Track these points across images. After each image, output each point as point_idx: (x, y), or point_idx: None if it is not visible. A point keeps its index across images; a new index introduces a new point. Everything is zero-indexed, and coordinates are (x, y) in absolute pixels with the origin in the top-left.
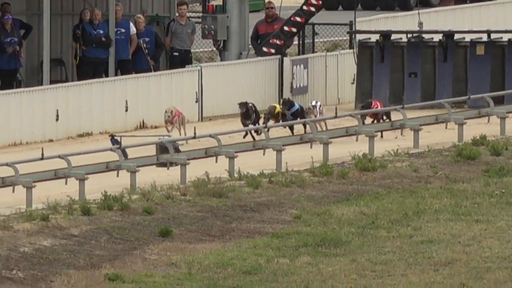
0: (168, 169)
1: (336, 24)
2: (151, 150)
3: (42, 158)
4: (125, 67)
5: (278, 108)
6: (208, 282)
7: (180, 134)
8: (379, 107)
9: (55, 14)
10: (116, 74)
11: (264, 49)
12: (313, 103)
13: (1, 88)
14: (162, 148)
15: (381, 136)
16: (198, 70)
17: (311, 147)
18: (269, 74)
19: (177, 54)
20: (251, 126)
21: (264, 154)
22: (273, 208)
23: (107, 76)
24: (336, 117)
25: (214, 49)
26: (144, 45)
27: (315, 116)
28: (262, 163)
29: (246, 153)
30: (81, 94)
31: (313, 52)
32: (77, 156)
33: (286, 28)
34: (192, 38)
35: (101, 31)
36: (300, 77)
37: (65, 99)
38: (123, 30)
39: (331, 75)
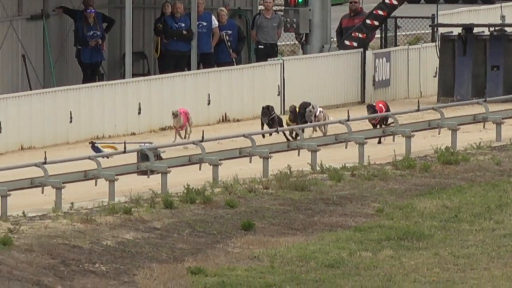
0: (148, 177)
1: (419, 18)
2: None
3: (124, 152)
4: (207, 60)
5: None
6: (290, 276)
7: (187, 137)
8: (384, 110)
9: (137, 7)
10: (198, 68)
11: (346, 42)
12: (315, 109)
13: (83, 81)
14: (143, 156)
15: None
16: (280, 63)
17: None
18: (351, 67)
19: (261, 47)
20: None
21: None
22: (355, 202)
23: (189, 69)
24: (418, 110)
25: (296, 42)
26: (227, 38)
27: (315, 116)
28: (345, 156)
29: (326, 147)
30: (163, 88)
31: (395, 45)
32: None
33: (368, 21)
34: (279, 32)
35: (183, 24)
36: (382, 70)
37: (147, 92)
38: (205, 23)
39: (413, 69)
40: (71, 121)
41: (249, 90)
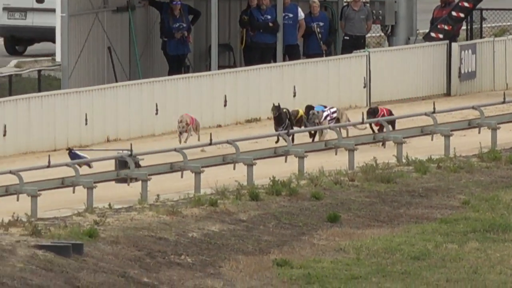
0: (128, 185)
1: (505, 10)
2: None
3: (210, 144)
4: (292, 52)
5: (301, 112)
6: (376, 268)
7: (198, 140)
8: (385, 114)
9: None
10: (283, 59)
11: (432, 34)
12: (332, 109)
13: (169, 73)
14: (121, 163)
15: None
16: (366, 55)
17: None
18: (437, 59)
19: (347, 38)
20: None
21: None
22: (441, 194)
23: (274, 61)
24: (504, 102)
25: (382, 34)
26: (318, 30)
27: (319, 122)
28: (431, 148)
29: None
30: (249, 79)
31: (481, 37)
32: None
33: (454, 13)
34: (369, 24)
35: (269, 16)
36: (468, 62)
37: (233, 84)
38: (291, 15)
39: (499, 61)
40: (156, 113)
41: (335, 82)
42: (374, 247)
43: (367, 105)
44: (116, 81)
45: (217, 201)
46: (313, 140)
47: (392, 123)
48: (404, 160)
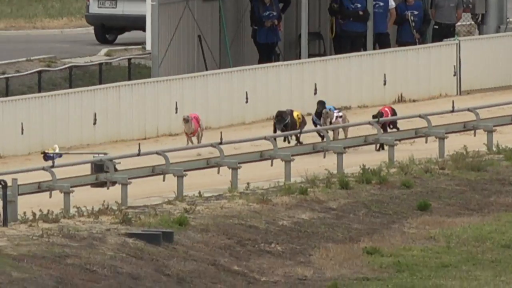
0: (108, 188)
1: None
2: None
3: (300, 132)
4: (383, 41)
5: (298, 113)
6: (466, 256)
7: (198, 141)
8: (389, 114)
9: None
10: (374, 48)
11: None
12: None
13: (259, 61)
14: (97, 167)
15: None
16: (456, 43)
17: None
18: None
19: (436, 27)
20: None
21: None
22: None
23: (365, 49)
24: None
25: (473, 22)
26: (411, 18)
27: (331, 121)
28: None
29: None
30: (339, 68)
31: None
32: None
33: None
34: (459, 12)
35: (359, 5)
36: None
37: (323, 72)
38: (381, 4)
39: None
40: (247, 102)
41: (425, 70)
42: (464, 236)
43: (457, 94)
44: (206, 70)
45: (307, 190)
46: (322, 139)
47: (393, 123)
48: (494, 149)
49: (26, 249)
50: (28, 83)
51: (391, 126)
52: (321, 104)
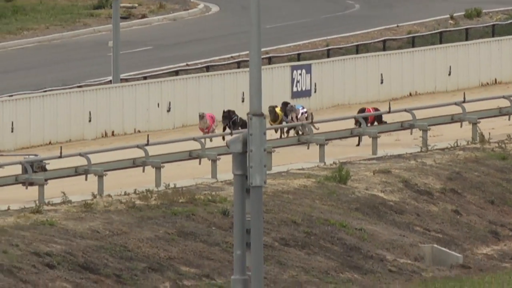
0: (26, 188)
1: None
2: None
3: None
4: None
5: (279, 108)
6: None
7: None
8: (371, 111)
9: None
10: None
11: None
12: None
13: None
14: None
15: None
16: None
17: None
18: None
19: None
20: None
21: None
22: None
23: None
24: None
25: None
26: None
27: (296, 116)
28: None
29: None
30: None
31: None
32: None
33: None
34: None
35: None
36: None
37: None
38: None
39: None
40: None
41: None
42: None
43: None
44: None
45: None
46: (287, 135)
47: (379, 117)
48: None
49: None
50: None
51: (378, 123)
52: (285, 104)
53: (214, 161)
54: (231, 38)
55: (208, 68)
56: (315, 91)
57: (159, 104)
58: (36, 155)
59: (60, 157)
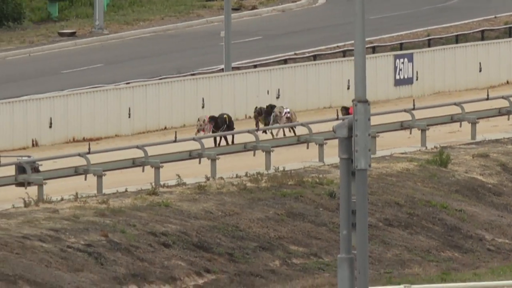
0: (26, 188)
1: None
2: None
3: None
4: None
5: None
6: None
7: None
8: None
9: None
10: None
11: None
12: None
13: None
14: (20, 168)
15: None
16: None
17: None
18: None
19: None
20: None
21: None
22: None
23: None
24: None
25: None
26: None
27: (281, 117)
28: None
29: None
30: None
31: None
32: None
33: None
34: None
35: None
36: None
37: None
38: None
39: None
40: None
41: None
42: None
43: None
44: None
45: None
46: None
47: None
48: None
49: None
50: None
51: None
52: (271, 106)
53: (321, 146)
54: (337, 28)
55: (315, 57)
56: (416, 79)
57: (268, 91)
58: (29, 156)
59: (175, 141)
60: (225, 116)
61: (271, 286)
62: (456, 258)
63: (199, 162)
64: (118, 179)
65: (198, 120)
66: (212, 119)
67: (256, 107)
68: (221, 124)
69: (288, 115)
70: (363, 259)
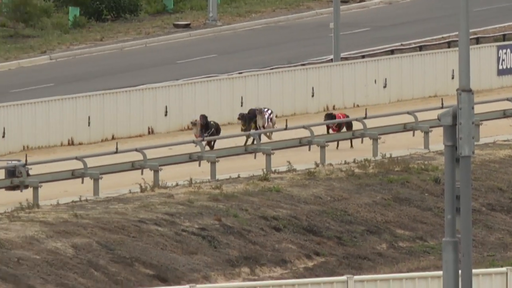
0: (21, 191)
1: None
2: None
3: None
4: None
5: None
6: None
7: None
8: (341, 118)
9: None
10: None
11: None
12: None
13: None
14: (10, 172)
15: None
16: None
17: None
18: None
19: None
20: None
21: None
22: None
23: None
24: None
25: None
26: None
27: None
28: None
29: None
30: None
31: None
32: None
33: None
34: None
35: None
36: None
37: None
38: None
39: None
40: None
41: None
42: None
43: None
44: None
45: None
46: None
47: (349, 123)
48: None
49: None
50: None
51: (347, 129)
52: (256, 110)
53: (426, 133)
54: (441, 20)
55: (421, 48)
56: None
57: (376, 81)
58: (19, 160)
59: (286, 129)
60: (212, 122)
61: (378, 269)
62: None
63: (309, 149)
64: (231, 165)
65: (194, 125)
66: (203, 117)
67: (240, 113)
68: (209, 128)
69: (271, 116)
70: (467, 242)
